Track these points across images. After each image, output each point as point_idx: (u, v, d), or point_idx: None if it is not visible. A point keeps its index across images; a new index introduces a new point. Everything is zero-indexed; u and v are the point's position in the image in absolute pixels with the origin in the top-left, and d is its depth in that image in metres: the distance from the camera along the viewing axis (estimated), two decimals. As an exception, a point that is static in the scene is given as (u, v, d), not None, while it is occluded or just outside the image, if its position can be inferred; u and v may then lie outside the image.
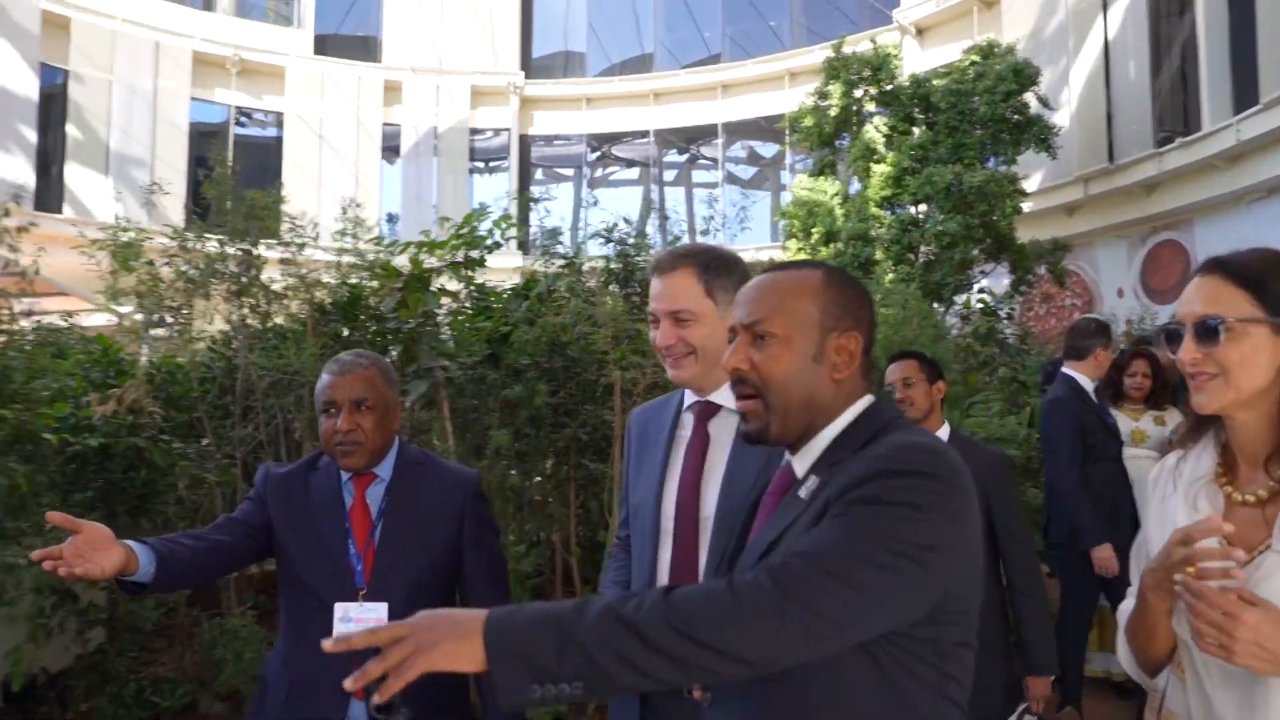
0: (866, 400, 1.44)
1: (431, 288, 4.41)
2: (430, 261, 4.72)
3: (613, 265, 5.16)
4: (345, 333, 4.46)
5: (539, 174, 23.38)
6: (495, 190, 22.51)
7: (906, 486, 1.23)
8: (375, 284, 4.55)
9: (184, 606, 4.39)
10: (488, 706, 2.16)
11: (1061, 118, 14.29)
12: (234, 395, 4.47)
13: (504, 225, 5.26)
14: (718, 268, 1.95)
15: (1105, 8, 14.24)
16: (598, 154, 23.09)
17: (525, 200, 5.89)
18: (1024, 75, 11.16)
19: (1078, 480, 4.13)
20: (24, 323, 3.92)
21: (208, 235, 4.54)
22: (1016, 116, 11.23)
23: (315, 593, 2.18)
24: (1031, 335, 5.81)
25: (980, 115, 11.14)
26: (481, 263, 5.10)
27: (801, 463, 1.44)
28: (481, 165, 22.76)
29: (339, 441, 2.19)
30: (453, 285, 5.07)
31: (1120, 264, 14.44)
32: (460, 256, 4.80)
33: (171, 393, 4.40)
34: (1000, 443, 4.27)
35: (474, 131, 22.22)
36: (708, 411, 2.00)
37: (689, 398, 2.05)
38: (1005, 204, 10.67)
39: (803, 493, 1.37)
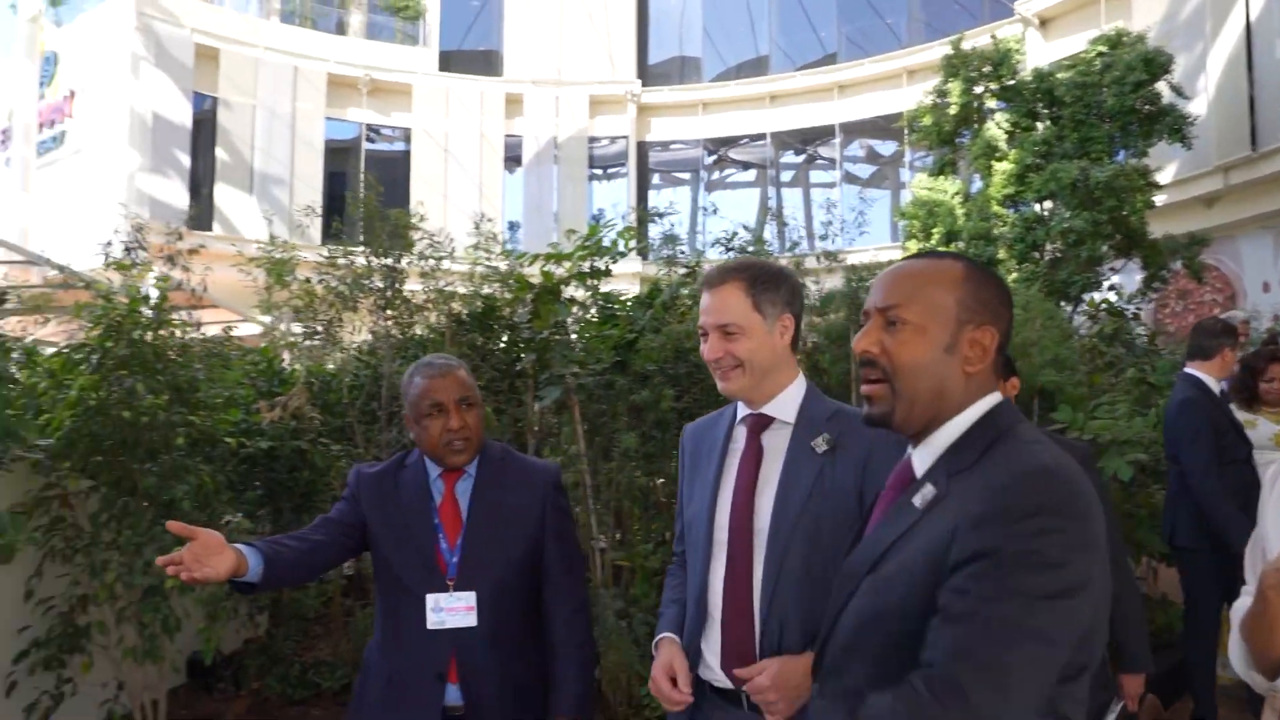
0: (993, 399, 1.41)
1: (560, 298, 4.64)
2: (558, 272, 4.97)
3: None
4: (480, 341, 4.75)
5: (656, 178, 23.66)
6: (613, 195, 22.95)
7: (1031, 533, 1.18)
8: (508, 295, 4.82)
9: (339, 597, 4.76)
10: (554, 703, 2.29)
11: (1198, 105, 13.66)
12: (379, 401, 4.81)
13: (627, 237, 5.48)
14: (766, 282, 1.97)
15: (1246, -12, 13.59)
16: (714, 157, 23.21)
17: (644, 214, 6.08)
18: (1155, 64, 10.73)
19: (1217, 482, 4.01)
20: (193, 335, 4.33)
21: (353, 252, 4.89)
22: (1148, 107, 10.81)
23: (408, 585, 2.28)
24: (1162, 335, 5.68)
25: (1108, 108, 10.77)
26: (607, 273, 5.34)
27: (921, 459, 1.42)
28: (599, 172, 23.19)
29: (451, 439, 2.29)
30: (579, 294, 5.32)
31: (1265, 256, 13.71)
32: (586, 267, 5.04)
33: (327, 400, 4.77)
34: (1127, 445, 4.20)
35: (592, 140, 22.68)
36: (760, 424, 2.01)
37: (741, 410, 2.06)
38: (1136, 198, 10.29)
39: (917, 500, 1.35)
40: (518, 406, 4.60)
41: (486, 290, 5.01)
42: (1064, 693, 1.24)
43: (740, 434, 2.04)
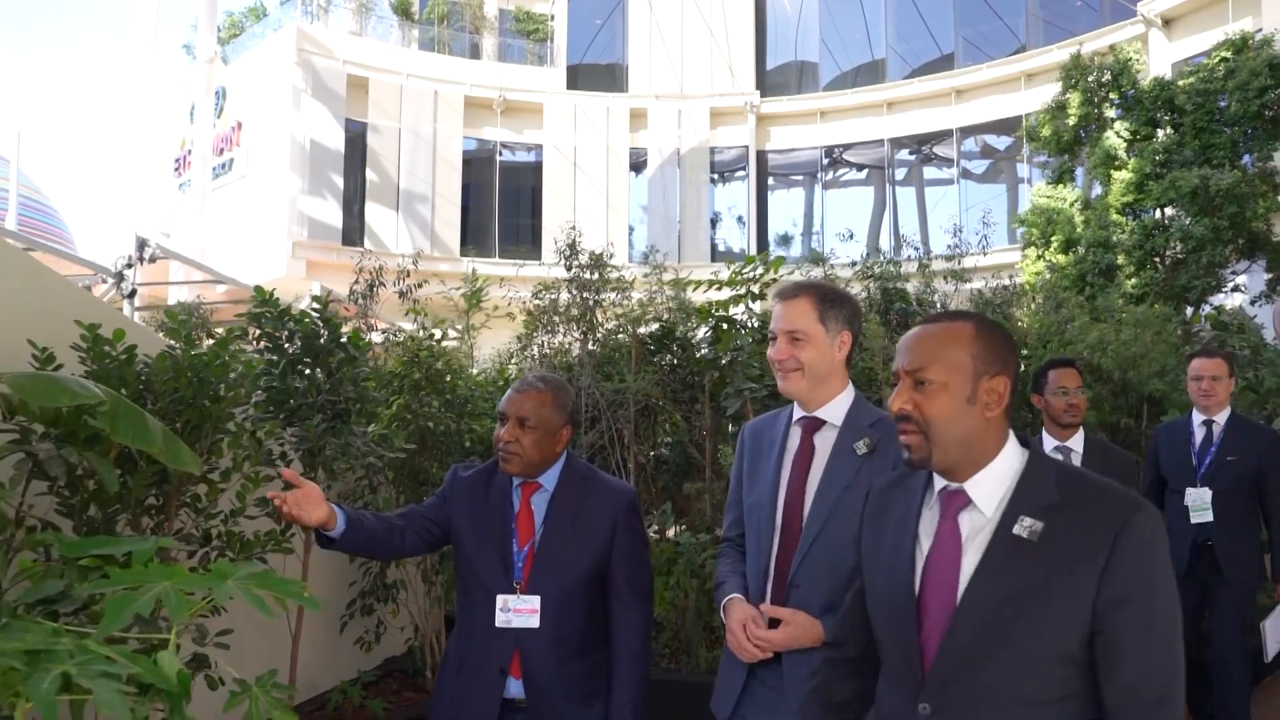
0: (1019, 444, 1.63)
1: (736, 324, 5.53)
2: (721, 294, 5.88)
3: (874, 295, 6.12)
4: (664, 359, 5.70)
5: (772, 180, 24.33)
6: (732, 198, 23.81)
7: (1165, 563, 1.49)
8: (684, 318, 5.75)
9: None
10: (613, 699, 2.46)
11: (1329, 103, 13.63)
12: (581, 410, 5.80)
13: (778, 266, 6.36)
14: (832, 300, 2.24)
15: (1377, -14, 13.49)
16: (830, 159, 23.74)
17: (767, 254, 6.91)
18: (1280, 69, 10.90)
19: None
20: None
21: (562, 281, 5.89)
22: (1269, 112, 10.95)
23: (484, 583, 2.46)
24: (1268, 348, 6.10)
25: (1231, 113, 10.97)
26: (762, 296, 6.23)
27: (981, 494, 1.58)
28: (718, 177, 24.04)
29: (500, 448, 2.47)
30: (737, 314, 6.22)
31: (1399, 254, 13.58)
32: (744, 290, 5.94)
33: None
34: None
35: (713, 149, 23.57)
36: (813, 426, 2.27)
37: (796, 413, 2.31)
38: (1259, 203, 10.54)
39: (1021, 532, 1.51)
40: (698, 416, 5.53)
41: (665, 315, 5.94)
42: None
43: (796, 434, 2.29)
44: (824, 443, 2.25)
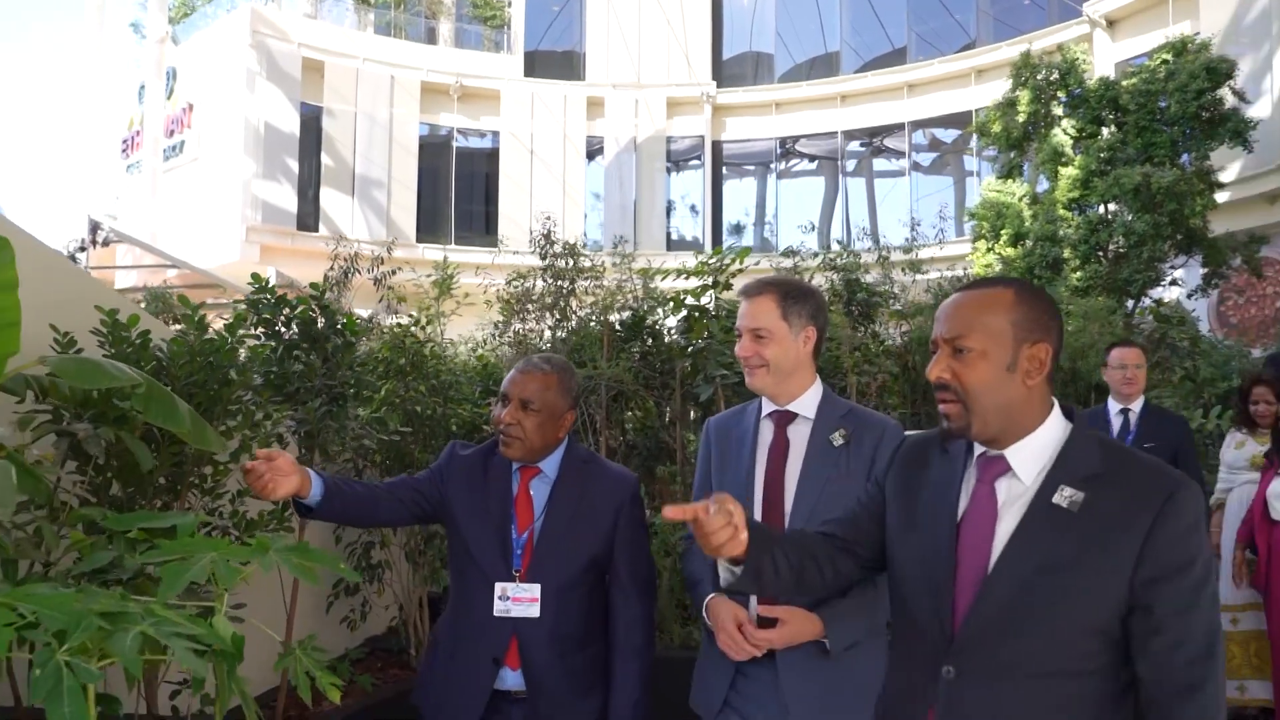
0: (1062, 414, 1.59)
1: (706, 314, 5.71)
2: (688, 284, 6.07)
3: (836, 286, 6.35)
4: (634, 347, 5.87)
5: (726, 170, 24.58)
6: (687, 186, 24.03)
7: (1205, 540, 1.49)
8: (658, 308, 5.93)
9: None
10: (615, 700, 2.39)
11: (1264, 105, 14.23)
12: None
13: (743, 257, 6.56)
14: (794, 296, 2.23)
15: (1310, -8, 14.09)
16: (784, 150, 24.07)
17: (735, 245, 7.13)
18: (1218, 72, 11.30)
19: None
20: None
21: (538, 269, 6.03)
22: (1209, 113, 11.41)
23: (481, 569, 2.37)
24: (1203, 339, 6.47)
25: (1171, 114, 11.40)
26: (728, 286, 6.43)
27: (1022, 462, 1.55)
28: (674, 166, 24.22)
29: (501, 430, 2.39)
30: (705, 302, 6.41)
31: (1327, 251, 14.27)
32: (710, 281, 6.14)
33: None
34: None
35: (669, 138, 23.76)
36: (785, 419, 2.27)
37: (766, 407, 2.30)
38: (1196, 201, 11.00)
39: (1061, 501, 1.48)
40: (669, 401, 5.72)
41: (635, 304, 6.12)
42: None
43: (768, 427, 2.28)
44: (798, 435, 2.25)
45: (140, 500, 2.79)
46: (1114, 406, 4.49)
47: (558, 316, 5.98)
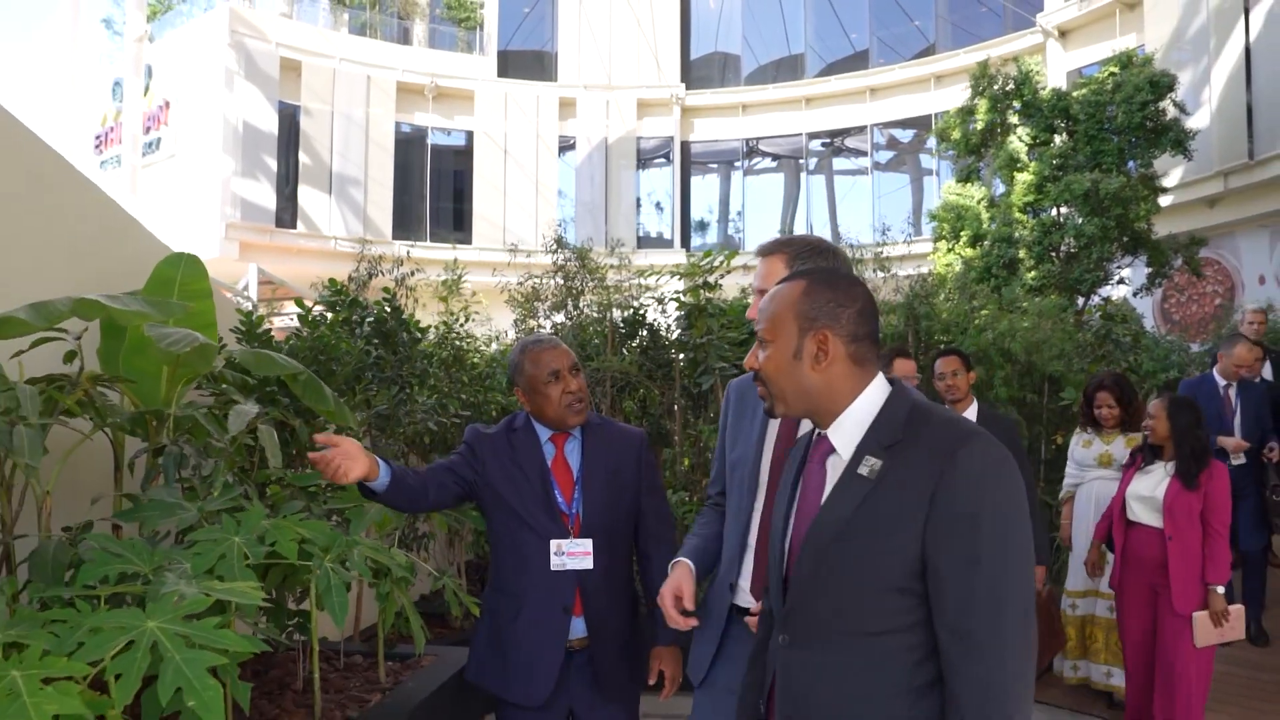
0: (882, 387, 1.62)
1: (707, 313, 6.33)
2: (679, 284, 6.70)
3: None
4: (637, 342, 6.49)
5: (695, 168, 25.29)
6: (656, 183, 24.68)
7: (999, 498, 1.47)
8: (659, 306, 6.55)
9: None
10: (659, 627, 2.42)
11: (1202, 115, 15.13)
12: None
13: (731, 259, 7.21)
14: (806, 255, 2.19)
15: (1247, 11, 15.01)
16: (750, 150, 24.82)
17: (711, 255, 7.80)
18: (1160, 85, 12.08)
19: None
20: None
21: (551, 271, 6.62)
22: (1153, 123, 12.22)
23: (534, 530, 2.55)
24: (1167, 323, 7.24)
25: (1118, 123, 12.21)
26: (717, 286, 7.07)
27: (840, 438, 1.60)
28: (644, 165, 24.87)
29: (571, 401, 2.56)
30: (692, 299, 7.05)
31: (1261, 252, 15.26)
32: (699, 282, 6.77)
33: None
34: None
35: (639, 139, 24.38)
36: None
37: None
38: (1141, 206, 11.82)
39: (864, 470, 1.53)
40: (669, 391, 6.34)
41: (635, 302, 6.74)
42: None
43: None
44: None
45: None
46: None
47: (566, 315, 6.56)
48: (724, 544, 2.26)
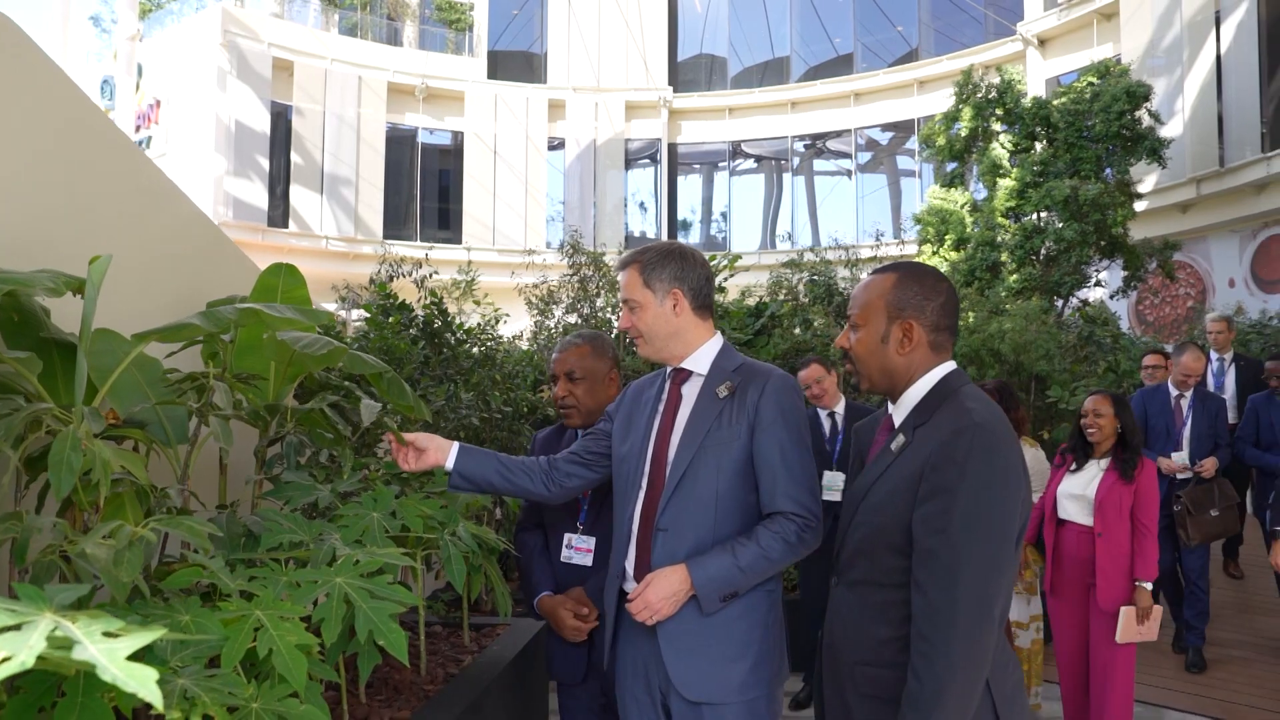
0: (942, 370, 1.85)
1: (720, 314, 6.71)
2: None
3: (817, 289, 7.39)
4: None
5: (681, 169, 25.70)
6: (643, 183, 25.03)
7: (968, 472, 1.65)
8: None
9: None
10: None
11: (1176, 123, 15.67)
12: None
13: (734, 263, 7.59)
14: (654, 264, 2.22)
15: (1218, 24, 15.55)
16: (736, 152, 25.23)
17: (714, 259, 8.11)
18: (1136, 95, 12.57)
19: None
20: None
21: (567, 275, 6.96)
22: (1129, 132, 12.69)
23: (561, 524, 2.73)
24: (1124, 336, 7.63)
25: (1096, 132, 12.69)
26: (722, 289, 7.44)
27: (897, 415, 1.88)
28: (632, 166, 25.22)
29: (558, 405, 2.70)
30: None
31: (1232, 256, 15.83)
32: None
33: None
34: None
35: (627, 141, 24.73)
36: (681, 377, 2.29)
37: (669, 367, 2.33)
38: (1118, 212, 12.30)
39: (893, 446, 1.81)
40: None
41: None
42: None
43: (668, 387, 2.31)
44: (690, 391, 2.26)
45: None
46: (822, 412, 4.79)
47: (579, 314, 6.91)
48: (614, 532, 2.35)
